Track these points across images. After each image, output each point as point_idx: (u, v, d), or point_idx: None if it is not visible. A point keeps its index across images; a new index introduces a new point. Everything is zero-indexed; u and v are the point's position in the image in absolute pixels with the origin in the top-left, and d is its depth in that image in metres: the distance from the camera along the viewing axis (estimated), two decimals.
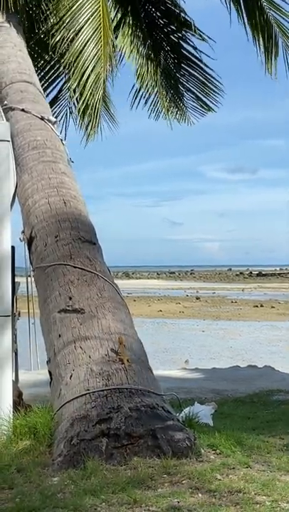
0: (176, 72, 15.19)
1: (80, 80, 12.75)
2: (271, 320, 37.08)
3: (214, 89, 14.91)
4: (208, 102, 15.18)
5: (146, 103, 15.28)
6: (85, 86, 12.80)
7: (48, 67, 15.15)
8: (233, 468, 5.45)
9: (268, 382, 11.45)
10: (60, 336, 6.99)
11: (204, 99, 15.13)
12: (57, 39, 11.96)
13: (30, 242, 8.37)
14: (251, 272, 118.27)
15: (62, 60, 13.20)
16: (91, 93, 12.80)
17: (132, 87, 15.23)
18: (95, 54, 12.89)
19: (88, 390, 6.19)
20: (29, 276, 14.28)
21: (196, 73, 15.02)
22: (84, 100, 12.96)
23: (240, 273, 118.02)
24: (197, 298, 53.13)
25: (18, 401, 7.91)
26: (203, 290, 64.54)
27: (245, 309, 43.54)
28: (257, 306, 45.15)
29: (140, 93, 15.24)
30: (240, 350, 24.40)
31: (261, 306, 45.44)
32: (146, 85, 14.74)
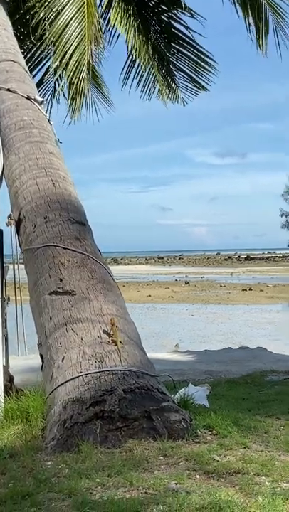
0: (167, 51, 14.97)
1: (62, 59, 12.57)
2: (260, 303, 37.05)
3: (207, 67, 14.66)
4: (200, 81, 14.94)
5: (138, 84, 15.05)
6: (67, 65, 12.62)
7: (34, 49, 14.92)
8: (231, 448, 5.34)
9: (260, 363, 11.35)
10: (51, 318, 6.84)
11: (197, 78, 14.89)
12: (39, 17, 11.80)
13: (18, 224, 8.19)
14: (240, 256, 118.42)
15: (45, 39, 13.00)
16: (75, 72, 12.62)
17: (123, 68, 15.01)
18: (79, 33, 12.71)
19: (81, 372, 6.06)
20: (17, 263, 14.21)
21: (187, 52, 14.79)
22: (68, 79, 12.81)
23: (229, 257, 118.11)
24: (186, 282, 53.01)
25: (9, 385, 7.78)
26: (192, 275, 64.49)
27: (234, 293, 43.48)
28: (246, 290, 45.09)
29: (132, 73, 15.02)
30: (230, 334, 24.32)
31: (250, 289, 45.41)
32: (139, 65, 14.51)
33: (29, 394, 6.42)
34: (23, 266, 8.32)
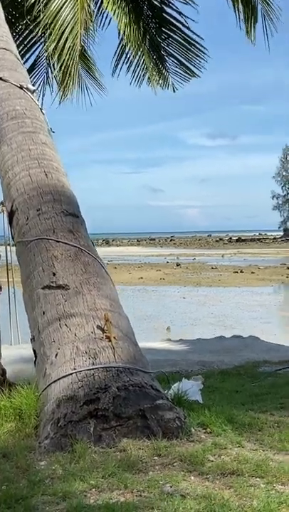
0: (158, 36, 14.84)
1: (58, 42, 12.49)
2: (251, 285, 37.17)
3: (198, 53, 14.56)
4: (191, 67, 14.85)
5: (128, 69, 14.94)
6: (63, 49, 12.54)
7: (25, 32, 14.77)
8: (225, 448, 5.33)
9: (253, 353, 11.36)
10: (44, 313, 6.78)
11: (188, 64, 14.80)
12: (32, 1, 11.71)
13: (11, 215, 8.12)
14: (231, 238, 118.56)
15: (39, 22, 12.89)
16: (68, 55, 12.55)
17: (115, 52, 14.89)
18: (72, 17, 12.65)
19: (75, 369, 6.02)
20: (9, 245, 14.13)
21: (178, 37, 14.69)
22: (60, 63, 12.73)
23: (220, 239, 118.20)
24: (177, 264, 53.06)
25: (2, 379, 7.73)
26: (183, 256, 64.56)
27: (226, 275, 43.56)
28: (237, 272, 45.20)
29: (123, 59, 14.91)
30: (222, 316, 24.42)
31: (241, 271, 45.51)
32: (130, 50, 14.39)
33: (22, 390, 6.37)
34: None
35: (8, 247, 14.56)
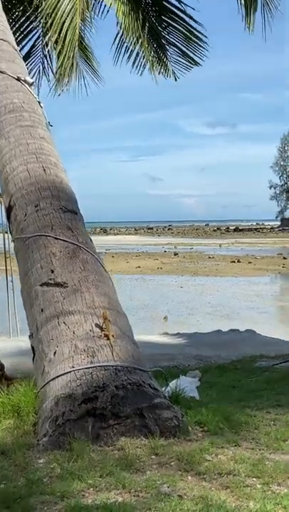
0: (158, 25, 14.77)
1: (59, 34, 12.46)
2: (248, 275, 37.27)
3: (198, 42, 14.49)
4: (192, 56, 14.77)
5: (129, 58, 14.88)
6: (63, 40, 12.52)
7: (22, 19, 14.70)
8: (222, 447, 5.37)
9: (250, 347, 11.40)
10: (42, 310, 6.80)
11: (189, 52, 14.72)
12: None
13: (9, 211, 8.11)
14: (228, 228, 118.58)
15: (37, 8, 12.87)
16: (68, 45, 12.52)
17: (114, 41, 14.82)
18: (71, 7, 12.62)
19: (73, 367, 6.04)
20: (6, 232, 14.06)
21: (179, 26, 14.61)
22: (58, 52, 12.70)
23: (218, 228, 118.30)
24: (175, 254, 53.14)
25: (0, 374, 7.77)
26: (181, 246, 64.59)
27: (223, 265, 43.66)
28: (234, 262, 45.30)
29: (124, 47, 14.83)
30: (219, 306, 24.52)
31: (238, 261, 45.62)
32: (130, 39, 14.31)
33: (20, 388, 6.41)
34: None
35: (6, 235, 14.51)
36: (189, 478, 4.79)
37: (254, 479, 4.72)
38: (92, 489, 4.63)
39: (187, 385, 6.89)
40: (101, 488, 4.64)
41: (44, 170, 8.21)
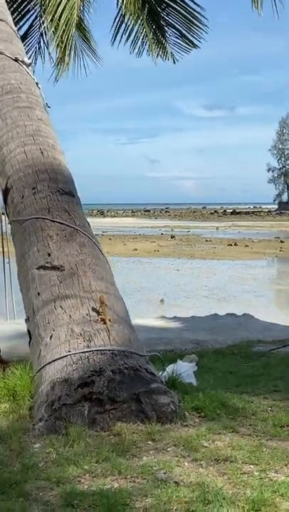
0: (157, 5, 14.58)
1: (54, 14, 12.30)
2: (245, 259, 37.20)
3: (198, 24, 14.31)
4: (191, 38, 14.59)
5: (128, 39, 14.70)
6: (59, 21, 12.37)
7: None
8: (219, 433, 5.35)
9: (247, 331, 11.37)
10: (39, 294, 6.75)
11: (188, 34, 14.54)
12: None
13: (5, 193, 8.02)
14: (226, 211, 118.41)
15: None
16: (65, 26, 12.37)
17: (113, 22, 14.63)
18: None
19: (69, 351, 6.00)
20: (3, 213, 13.92)
21: (178, 7, 14.42)
22: (56, 32, 12.53)
23: (215, 211, 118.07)
24: (172, 236, 53.01)
25: None
26: (178, 228, 64.49)
27: (220, 248, 43.55)
28: (231, 245, 45.18)
29: (122, 27, 14.65)
30: (215, 289, 24.46)
31: (235, 244, 45.50)
32: (128, 19, 14.13)
33: (16, 371, 6.37)
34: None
35: (3, 217, 14.36)
36: (186, 464, 4.76)
37: (251, 466, 4.69)
38: (88, 475, 4.60)
39: (184, 370, 6.86)
40: (97, 473, 4.61)
41: (41, 152, 8.11)
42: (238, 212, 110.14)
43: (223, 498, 4.11)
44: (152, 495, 4.21)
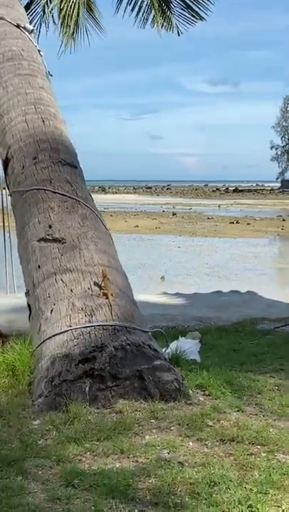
0: None
1: None
2: (247, 237, 36.99)
3: None
4: (197, 9, 14.22)
5: (132, 10, 14.35)
6: None
7: None
8: (224, 412, 5.18)
9: (251, 309, 11.17)
10: (39, 267, 6.55)
11: (193, 5, 14.17)
12: None
13: (6, 163, 7.80)
14: (228, 188, 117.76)
15: None
16: None
17: None
18: None
19: (70, 326, 5.82)
20: (4, 188, 13.71)
21: None
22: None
23: (217, 189, 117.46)
24: (174, 214, 52.70)
25: None
26: (179, 206, 64.13)
27: (221, 226, 43.31)
28: (233, 223, 44.93)
29: None
30: (217, 267, 24.31)
31: (237, 222, 45.25)
32: None
33: (15, 346, 6.19)
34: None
35: (3, 191, 14.15)
36: (190, 444, 4.59)
37: (258, 447, 4.53)
38: (89, 453, 4.44)
39: (188, 346, 6.67)
40: (98, 452, 4.44)
41: (43, 121, 7.88)
42: (241, 190, 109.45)
43: (230, 480, 3.95)
44: (156, 475, 4.05)
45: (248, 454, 4.38)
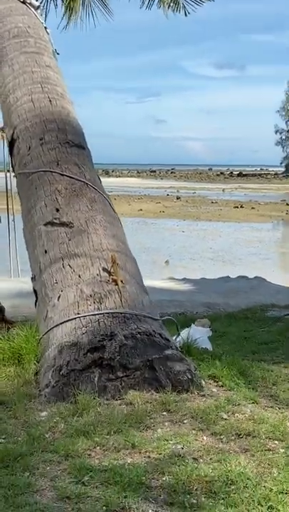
0: None
1: None
2: (251, 221, 36.88)
3: None
4: None
5: None
6: None
7: None
8: (239, 404, 4.97)
9: (260, 295, 10.96)
10: (46, 251, 6.33)
11: None
12: None
13: (11, 144, 7.56)
14: (232, 172, 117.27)
15: None
16: None
17: None
18: None
19: (78, 313, 5.61)
20: (9, 171, 13.48)
21: None
22: None
23: (221, 173, 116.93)
24: (178, 198, 52.47)
25: (0, 317, 7.37)
26: (183, 190, 63.86)
27: (226, 210, 43.13)
28: (237, 207, 44.76)
29: None
30: (221, 251, 24.21)
31: (241, 206, 45.08)
32: None
33: (21, 333, 5.98)
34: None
35: (8, 173, 13.94)
36: (205, 438, 4.39)
37: (276, 442, 4.33)
38: (98, 448, 4.25)
39: (200, 335, 6.46)
40: (108, 447, 4.25)
41: (50, 101, 7.64)
42: (245, 175, 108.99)
43: (248, 478, 3.75)
44: (170, 472, 3.85)
45: (265, 450, 4.19)
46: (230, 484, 3.70)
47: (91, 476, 3.80)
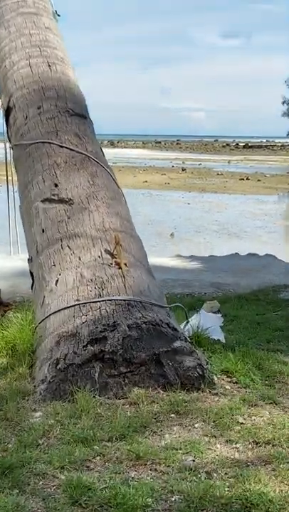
0: None
1: None
2: (257, 193, 36.20)
3: None
4: None
5: None
6: None
7: None
8: (256, 405, 4.49)
9: (271, 274, 10.41)
10: (43, 230, 5.80)
11: None
12: None
13: (8, 113, 7.01)
14: (238, 144, 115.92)
15: None
16: None
17: None
18: None
19: (78, 300, 5.10)
20: (7, 141, 12.87)
21: None
22: None
23: (227, 144, 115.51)
24: (183, 169, 51.70)
25: None
26: (189, 161, 62.95)
27: (231, 182, 42.43)
28: (243, 179, 44.02)
29: None
30: (226, 224, 23.64)
31: (247, 179, 44.34)
32: None
33: (15, 321, 5.47)
34: None
35: (7, 144, 13.30)
36: (218, 447, 3.90)
37: None
38: (98, 458, 3.77)
39: (211, 324, 5.92)
40: (110, 457, 3.76)
41: (49, 66, 7.07)
42: (251, 146, 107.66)
43: (270, 500, 3.25)
44: (180, 492, 3.36)
45: (288, 463, 3.68)
46: (250, 508, 3.21)
47: (89, 496, 3.31)
